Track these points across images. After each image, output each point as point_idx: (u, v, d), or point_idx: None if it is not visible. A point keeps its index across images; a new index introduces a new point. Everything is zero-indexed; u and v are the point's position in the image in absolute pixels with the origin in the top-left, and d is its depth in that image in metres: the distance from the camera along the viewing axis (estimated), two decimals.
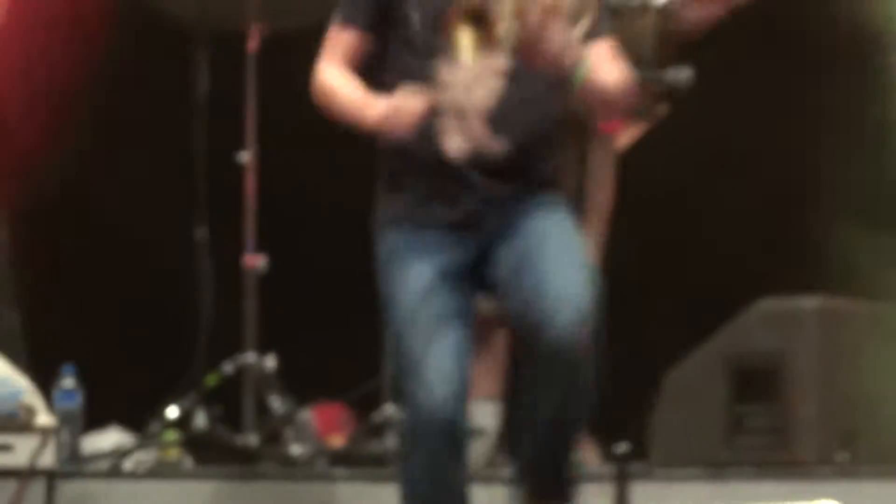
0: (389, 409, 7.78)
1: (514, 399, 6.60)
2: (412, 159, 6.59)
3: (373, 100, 6.48)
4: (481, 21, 6.05)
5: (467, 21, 6.05)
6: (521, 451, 6.50)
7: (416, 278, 6.56)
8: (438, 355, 6.37)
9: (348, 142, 6.87)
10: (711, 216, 8.30)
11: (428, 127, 6.35)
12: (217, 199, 8.05)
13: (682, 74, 7.67)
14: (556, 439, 6.48)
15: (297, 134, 8.19)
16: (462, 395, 6.40)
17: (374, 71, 6.70)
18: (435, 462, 6.43)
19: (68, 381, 7.52)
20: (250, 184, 8.16)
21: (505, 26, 6.19)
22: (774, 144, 8.41)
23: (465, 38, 6.08)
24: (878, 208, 8.05)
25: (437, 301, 6.50)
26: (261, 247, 8.10)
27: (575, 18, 6.38)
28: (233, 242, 8.03)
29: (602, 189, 7.60)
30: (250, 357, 7.90)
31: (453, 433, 6.38)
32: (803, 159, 8.37)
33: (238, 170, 8.16)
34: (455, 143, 6.29)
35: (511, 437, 6.72)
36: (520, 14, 6.24)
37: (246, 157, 8.15)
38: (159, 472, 7.66)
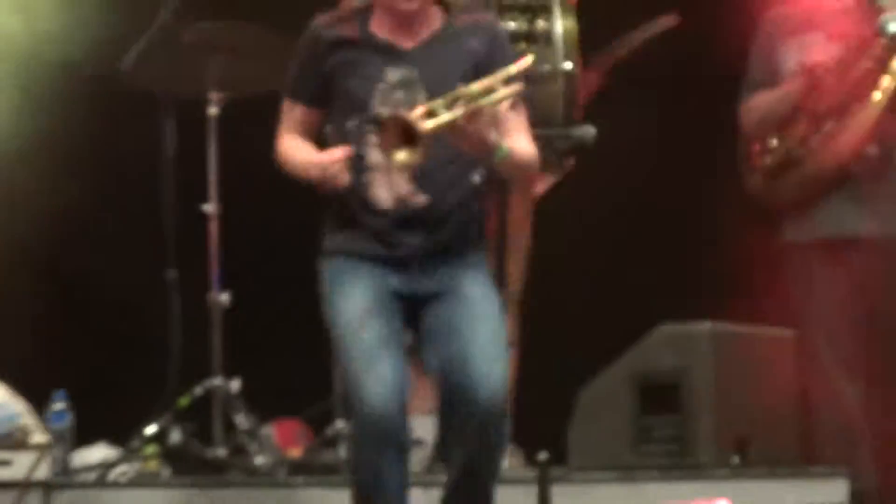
0: (340, 424, 7.69)
1: (443, 420, 6.54)
2: (350, 205, 6.61)
3: (315, 158, 6.53)
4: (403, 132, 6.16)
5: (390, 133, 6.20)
6: (449, 472, 6.50)
7: (354, 302, 6.53)
8: (379, 371, 6.33)
9: (300, 192, 6.88)
10: (618, 253, 8.24)
11: (360, 179, 6.49)
12: (185, 245, 8.04)
13: (587, 131, 7.69)
14: (471, 482, 6.47)
15: (254, 186, 8.24)
16: (401, 405, 6.36)
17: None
18: (378, 465, 6.38)
19: (59, 404, 7.46)
20: (214, 230, 8.09)
21: (429, 123, 6.17)
22: (670, 186, 8.40)
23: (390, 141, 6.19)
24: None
25: (374, 322, 6.45)
26: (225, 285, 8.01)
27: (493, 112, 6.34)
28: (200, 282, 7.97)
29: (521, 231, 7.61)
30: (217, 380, 7.86)
31: (395, 439, 6.33)
32: (697, 199, 8.35)
33: (203, 219, 8.08)
34: (382, 195, 6.45)
35: (443, 449, 6.65)
36: (450, 120, 6.24)
37: (210, 207, 8.04)
38: (141, 481, 7.63)
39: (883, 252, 7.80)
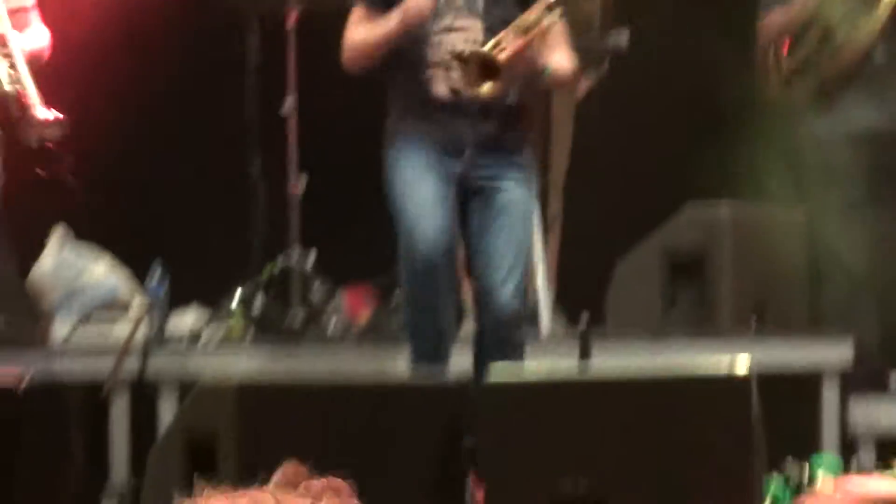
0: (402, 292, 7.58)
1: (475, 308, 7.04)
2: (412, 97, 6.83)
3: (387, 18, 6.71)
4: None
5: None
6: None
7: (413, 176, 6.77)
8: (431, 219, 6.68)
9: (362, 93, 7.38)
10: (651, 141, 8.19)
11: (422, 74, 6.72)
12: (267, 142, 8.05)
13: (621, 38, 7.80)
14: (499, 355, 6.63)
15: (324, 90, 8.11)
16: (450, 250, 6.77)
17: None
18: (429, 295, 6.74)
19: (157, 274, 7.34)
20: (293, 123, 8.00)
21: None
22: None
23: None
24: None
25: (430, 189, 6.74)
26: (302, 169, 7.97)
27: (541, 39, 6.69)
28: (280, 172, 7.96)
29: (565, 128, 7.70)
30: (295, 254, 7.81)
31: (444, 274, 6.70)
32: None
33: (283, 120, 8.04)
34: (441, 88, 6.68)
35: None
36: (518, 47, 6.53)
37: (288, 105, 7.99)
38: (227, 344, 7.61)
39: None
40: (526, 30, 6.59)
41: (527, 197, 6.98)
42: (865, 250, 7.72)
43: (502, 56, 6.48)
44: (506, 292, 6.75)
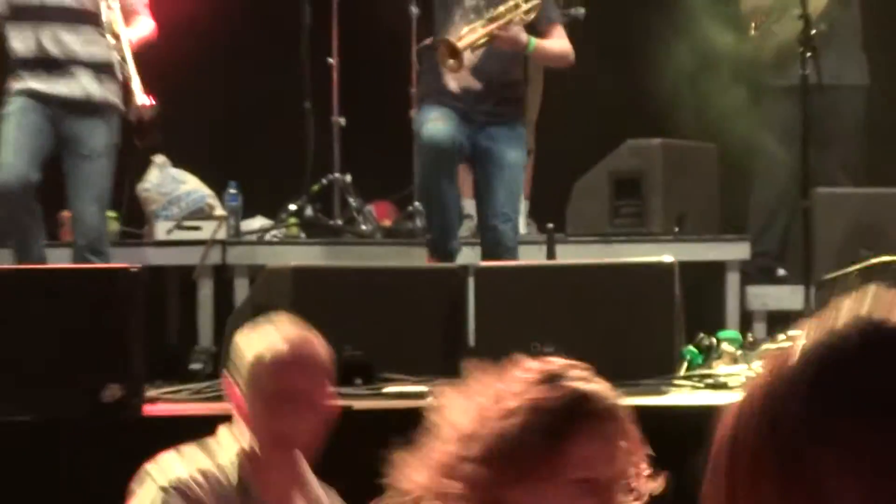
0: (416, 204, 7.64)
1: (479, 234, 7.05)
2: (432, 87, 6.83)
3: None
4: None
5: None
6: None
7: (435, 123, 6.60)
8: (442, 129, 6.57)
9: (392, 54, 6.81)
10: (605, 91, 8.19)
11: (438, 74, 6.70)
12: (317, 85, 7.86)
13: (579, 11, 7.70)
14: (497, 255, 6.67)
15: (360, 46, 8.00)
16: (453, 143, 6.69)
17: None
18: (439, 186, 6.75)
19: (233, 189, 7.42)
20: (336, 75, 7.85)
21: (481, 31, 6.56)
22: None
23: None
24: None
25: (445, 130, 6.57)
26: (342, 112, 7.84)
27: (520, 20, 6.65)
28: (326, 110, 7.84)
29: (538, 82, 7.51)
30: (336, 174, 7.73)
31: (448, 175, 6.73)
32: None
33: (329, 69, 7.88)
34: (451, 84, 6.66)
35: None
36: (480, 37, 6.54)
37: (332, 60, 7.83)
38: (285, 240, 7.59)
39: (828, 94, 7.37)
40: (500, 17, 6.55)
41: (521, 156, 6.95)
42: (781, 181, 7.68)
43: (462, 43, 6.51)
44: (507, 229, 6.76)
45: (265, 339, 3.90)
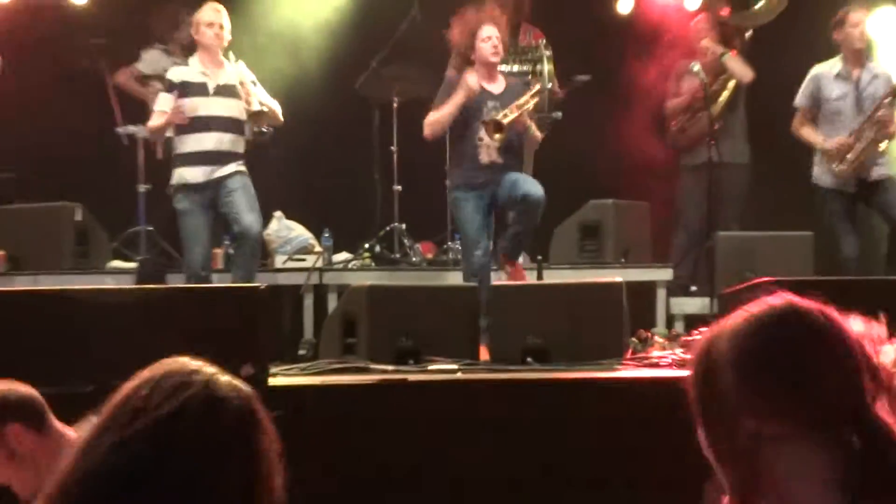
0: (449, 244, 7.51)
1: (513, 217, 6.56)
2: (465, 161, 6.45)
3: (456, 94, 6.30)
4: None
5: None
6: (506, 244, 6.47)
7: (469, 209, 6.40)
8: (479, 245, 6.32)
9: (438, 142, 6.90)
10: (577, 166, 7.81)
11: (473, 149, 6.39)
12: (383, 164, 7.63)
13: (557, 115, 7.37)
14: (525, 237, 6.50)
15: (413, 140, 7.23)
16: (487, 260, 6.42)
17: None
18: (472, 263, 6.36)
19: (326, 233, 7.28)
20: (396, 157, 7.57)
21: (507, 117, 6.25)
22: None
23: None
24: None
25: (479, 217, 6.38)
26: (400, 181, 7.53)
27: (528, 110, 6.36)
28: (389, 180, 7.58)
29: (531, 157, 7.09)
30: (396, 224, 7.56)
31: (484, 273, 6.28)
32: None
33: (391, 153, 7.62)
34: (483, 158, 6.36)
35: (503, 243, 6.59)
36: (514, 117, 6.25)
37: (394, 148, 7.61)
38: (362, 268, 7.40)
39: (724, 169, 7.28)
40: (519, 107, 6.35)
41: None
42: (694, 228, 7.54)
43: (505, 120, 6.28)
44: (536, 191, 6.35)
45: None
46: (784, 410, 1.62)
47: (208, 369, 1.61)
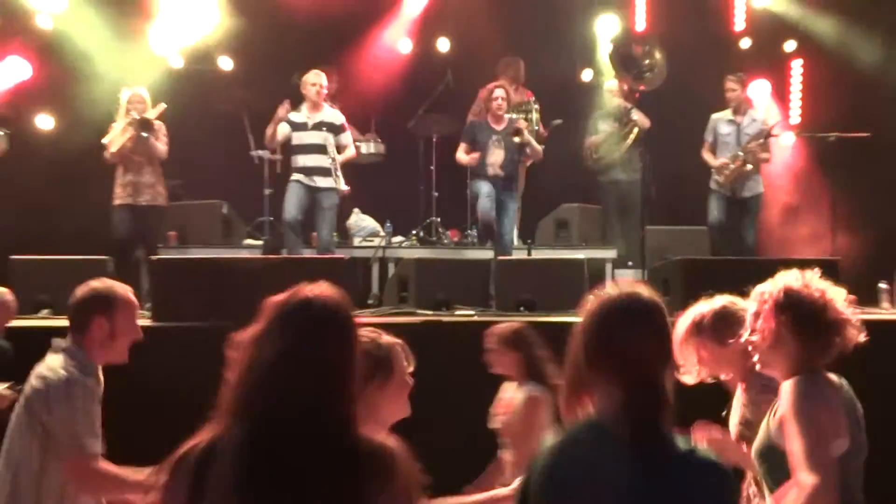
0: (469, 232, 7.12)
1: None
2: (481, 172, 6.21)
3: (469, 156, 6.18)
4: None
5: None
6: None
7: (484, 191, 6.14)
8: (488, 207, 6.07)
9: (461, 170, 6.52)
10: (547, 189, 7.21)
11: (485, 162, 6.16)
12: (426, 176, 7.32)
13: (540, 153, 6.59)
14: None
15: (448, 166, 6.83)
16: (492, 213, 6.02)
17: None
18: (486, 226, 6.16)
19: (388, 224, 7.07)
20: (434, 175, 7.12)
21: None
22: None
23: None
24: None
25: (486, 188, 6.12)
26: (437, 188, 7.08)
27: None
28: (429, 189, 7.17)
29: (521, 177, 6.82)
30: (434, 217, 7.15)
31: (490, 219, 6.08)
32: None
33: (429, 172, 7.18)
34: (490, 170, 6.14)
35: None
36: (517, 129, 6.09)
37: (433, 167, 7.15)
38: (411, 246, 6.98)
39: (626, 184, 6.77)
40: (520, 133, 6.18)
41: (515, 206, 6.45)
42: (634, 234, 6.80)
43: (522, 126, 6.18)
44: (509, 240, 6.39)
45: None
46: (595, 360, 1.69)
47: (308, 290, 1.65)
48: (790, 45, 7.39)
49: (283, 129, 6.12)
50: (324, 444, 1.46)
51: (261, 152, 6.59)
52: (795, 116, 7.36)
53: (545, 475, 1.61)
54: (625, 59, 6.33)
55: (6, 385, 3.23)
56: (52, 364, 2.44)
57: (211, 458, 1.47)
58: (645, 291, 1.77)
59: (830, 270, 2.29)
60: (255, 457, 1.45)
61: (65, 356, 2.46)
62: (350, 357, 1.57)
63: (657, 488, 1.55)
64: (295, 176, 6.12)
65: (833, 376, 2.16)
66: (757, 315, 2.14)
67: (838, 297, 2.11)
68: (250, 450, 1.46)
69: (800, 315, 2.05)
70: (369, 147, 7.28)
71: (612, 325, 1.71)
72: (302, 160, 6.12)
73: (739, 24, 7.36)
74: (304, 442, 1.45)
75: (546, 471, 1.61)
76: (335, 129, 6.15)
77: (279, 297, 1.63)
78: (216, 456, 1.47)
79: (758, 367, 2.16)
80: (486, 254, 6.27)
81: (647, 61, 6.28)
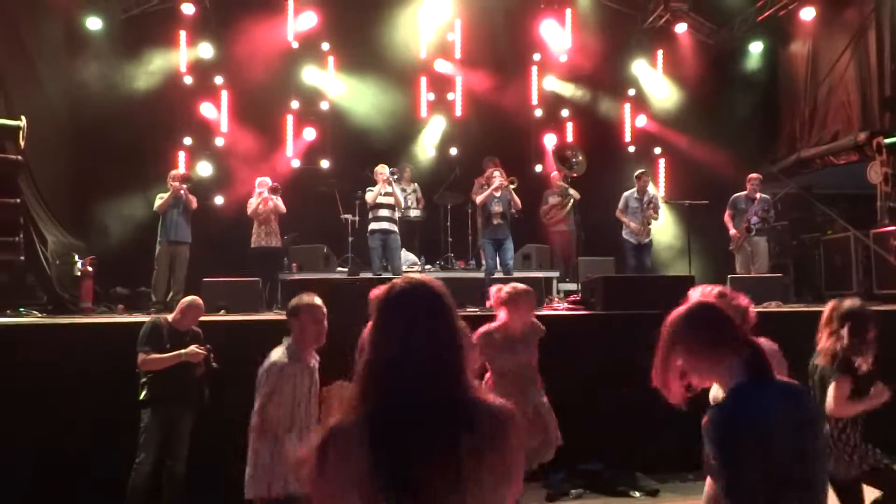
0: (471, 262, 8.05)
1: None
2: (488, 220, 6.47)
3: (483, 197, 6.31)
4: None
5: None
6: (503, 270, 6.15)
7: (488, 245, 6.48)
8: (491, 260, 6.30)
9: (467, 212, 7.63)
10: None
11: (492, 212, 6.33)
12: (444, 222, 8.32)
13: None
14: (508, 270, 6.33)
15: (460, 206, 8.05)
16: (495, 264, 6.07)
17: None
18: (489, 269, 6.18)
19: (421, 258, 8.02)
20: (449, 222, 8.25)
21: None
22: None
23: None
24: None
25: (491, 250, 6.40)
26: (451, 235, 8.32)
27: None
28: (440, 222, 8.31)
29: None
30: (449, 254, 8.07)
31: (493, 265, 6.10)
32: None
33: (446, 218, 8.29)
34: (496, 220, 6.43)
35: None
36: (507, 183, 6.33)
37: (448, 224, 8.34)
38: (434, 272, 7.87)
39: (558, 234, 7.45)
40: (508, 188, 6.40)
41: (512, 243, 6.54)
42: (562, 255, 7.66)
43: (509, 183, 6.32)
44: (511, 265, 6.42)
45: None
46: (722, 342, 1.74)
47: (401, 281, 1.47)
48: (657, 150, 9.42)
49: (369, 196, 6.82)
50: (445, 406, 1.42)
51: (347, 215, 7.92)
52: (664, 192, 9.15)
53: (740, 414, 1.77)
54: (562, 158, 7.71)
55: (203, 348, 3.99)
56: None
57: (355, 428, 1.43)
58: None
59: (690, 282, 2.97)
60: (387, 423, 1.42)
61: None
62: (458, 329, 1.48)
63: (793, 408, 1.86)
64: (374, 226, 6.78)
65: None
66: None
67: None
68: (382, 416, 1.42)
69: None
70: (418, 212, 8.53)
71: (722, 318, 1.82)
72: (378, 217, 6.94)
73: (627, 136, 9.44)
74: (427, 407, 1.41)
75: (737, 412, 1.78)
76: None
77: (380, 291, 1.54)
78: (358, 427, 1.43)
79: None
80: (480, 274, 7.21)
81: (575, 159, 7.65)
